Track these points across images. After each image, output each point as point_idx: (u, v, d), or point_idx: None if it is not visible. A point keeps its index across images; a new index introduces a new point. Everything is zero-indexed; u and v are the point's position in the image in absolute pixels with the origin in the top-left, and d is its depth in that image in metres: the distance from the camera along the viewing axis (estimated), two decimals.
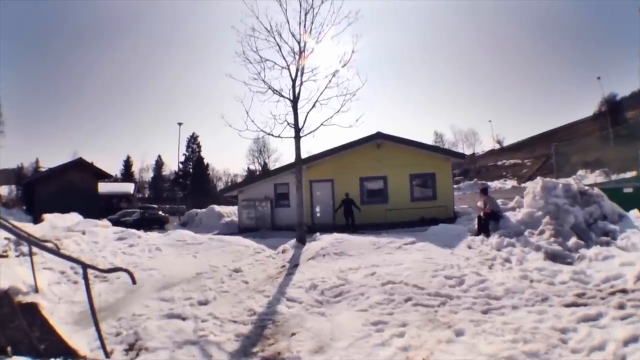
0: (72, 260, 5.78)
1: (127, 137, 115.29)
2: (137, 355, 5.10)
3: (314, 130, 12.42)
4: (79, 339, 5.22)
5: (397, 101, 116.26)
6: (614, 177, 23.81)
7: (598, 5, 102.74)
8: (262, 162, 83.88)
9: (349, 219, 18.66)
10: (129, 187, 50.99)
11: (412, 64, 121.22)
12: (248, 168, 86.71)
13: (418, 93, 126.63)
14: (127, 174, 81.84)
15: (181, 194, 58.66)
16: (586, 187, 11.12)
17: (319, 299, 6.81)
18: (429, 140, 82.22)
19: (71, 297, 6.86)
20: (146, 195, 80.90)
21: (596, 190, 10.91)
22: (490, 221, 11.23)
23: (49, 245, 8.21)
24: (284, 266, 9.57)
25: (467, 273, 7.26)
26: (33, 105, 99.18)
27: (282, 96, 12.39)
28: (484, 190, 13.26)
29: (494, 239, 9.75)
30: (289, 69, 12.41)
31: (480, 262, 8.34)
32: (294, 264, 9.42)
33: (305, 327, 5.67)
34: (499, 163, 69.57)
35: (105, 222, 14.76)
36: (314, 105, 12.38)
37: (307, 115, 12.34)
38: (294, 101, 12.27)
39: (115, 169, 79.28)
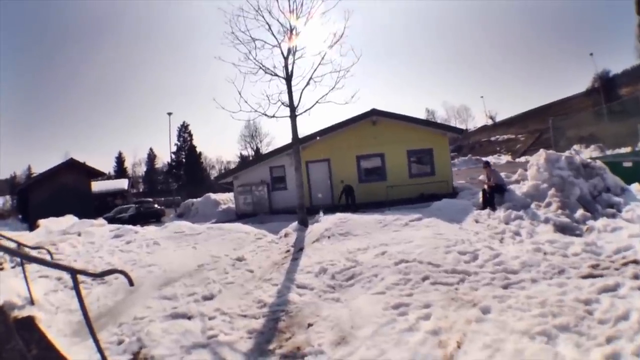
0: (60, 267, 5.24)
1: (118, 133, 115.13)
2: None
3: (309, 109, 12.36)
4: (80, 352, 4.94)
5: (388, 78, 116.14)
6: (608, 152, 24.15)
7: None
8: (255, 147, 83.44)
9: (348, 199, 18.96)
10: (123, 184, 50.73)
11: (403, 41, 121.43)
12: (241, 154, 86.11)
13: (409, 70, 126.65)
14: (120, 170, 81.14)
15: (175, 185, 58.34)
16: (588, 160, 11.29)
17: (331, 284, 6.63)
18: (420, 117, 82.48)
19: (69, 306, 6.57)
20: (141, 190, 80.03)
21: (598, 162, 11.10)
22: (495, 194, 11.34)
23: (42, 251, 8.14)
24: (288, 251, 9.36)
25: (479, 247, 7.27)
26: (22, 110, 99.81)
27: (276, 75, 12.25)
28: (487, 163, 13.30)
29: (501, 212, 9.86)
30: (280, 47, 12.25)
31: (490, 236, 8.42)
32: (298, 248, 9.27)
33: (322, 316, 5.47)
34: (492, 139, 70.08)
35: (100, 221, 14.71)
36: (308, 83, 12.23)
37: (301, 94, 12.21)
38: (288, 79, 12.11)
39: (108, 167, 79.12)
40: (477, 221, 9.85)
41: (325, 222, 10.78)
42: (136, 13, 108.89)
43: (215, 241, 10.48)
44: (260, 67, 12.14)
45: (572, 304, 4.70)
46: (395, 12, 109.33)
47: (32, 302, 6.38)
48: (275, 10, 12.07)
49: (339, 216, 10.92)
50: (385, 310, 5.22)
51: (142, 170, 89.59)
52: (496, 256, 6.82)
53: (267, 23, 12.15)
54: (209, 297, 6.69)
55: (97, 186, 39.90)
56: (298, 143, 12.78)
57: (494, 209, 10.68)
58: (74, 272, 4.49)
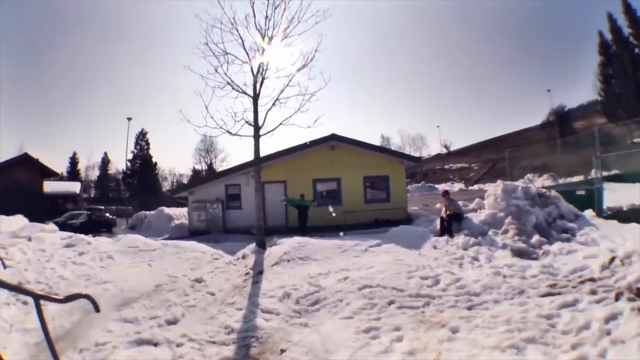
0: (23, 292, 5.23)
1: (74, 132, 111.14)
2: None
3: (273, 130, 12.47)
4: None
5: (343, 102, 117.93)
6: (560, 180, 25.73)
7: (553, 18, 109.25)
8: (209, 162, 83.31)
9: (303, 222, 18.17)
10: (75, 187, 49.04)
11: (361, 66, 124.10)
12: (194, 168, 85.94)
13: (365, 96, 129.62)
14: (72, 172, 79.02)
15: (127, 194, 57.02)
16: (544, 190, 12.08)
17: (296, 309, 6.76)
18: (375, 143, 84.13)
19: (23, 324, 6.18)
20: (92, 195, 77.90)
21: (553, 192, 11.95)
22: (453, 222, 11.79)
23: None
24: (247, 273, 9.47)
25: (440, 272, 7.65)
26: None
27: (244, 92, 12.34)
28: (446, 192, 13.84)
29: (460, 239, 10.35)
30: (250, 64, 12.36)
31: (450, 262, 8.85)
32: (258, 271, 9.37)
33: (293, 342, 5.54)
34: (446, 166, 72.51)
35: (51, 226, 13.98)
36: (274, 103, 12.39)
37: (267, 114, 12.33)
38: (255, 98, 12.24)
39: (61, 167, 76.09)
40: (435, 247, 10.30)
41: (283, 245, 10.93)
42: (106, 10, 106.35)
43: (171, 259, 10.40)
44: (228, 83, 12.23)
45: (535, 319, 5.08)
46: (355, 36, 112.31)
47: None
48: (251, 27, 12.27)
49: (297, 240, 11.13)
50: (357, 334, 5.38)
51: (94, 174, 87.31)
52: (457, 280, 7.21)
53: (241, 38, 12.32)
54: (172, 322, 6.55)
55: (48, 187, 37.90)
56: (259, 164, 12.86)
57: (451, 236, 11.14)
58: (37, 298, 4.16)
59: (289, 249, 10.35)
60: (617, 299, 5.44)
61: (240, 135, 12.36)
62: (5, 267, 7.58)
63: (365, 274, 7.87)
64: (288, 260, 9.60)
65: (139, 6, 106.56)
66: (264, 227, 12.38)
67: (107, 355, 5.29)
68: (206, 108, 12.00)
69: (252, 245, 11.85)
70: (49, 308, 6.44)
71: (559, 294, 6.11)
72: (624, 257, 7.14)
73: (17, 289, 5.14)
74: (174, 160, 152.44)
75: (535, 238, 9.50)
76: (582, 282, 6.52)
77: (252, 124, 12.22)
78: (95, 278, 8.49)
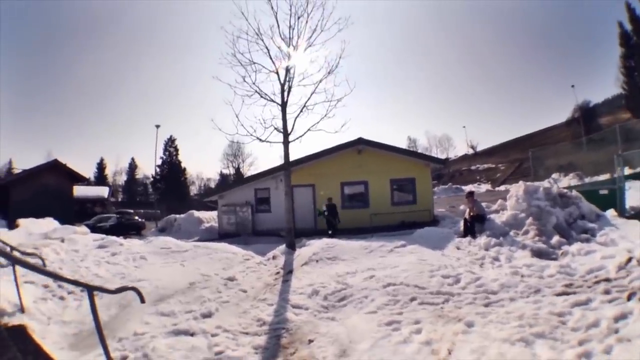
0: (77, 283, 5.20)
1: (101, 139, 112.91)
2: None
3: (301, 136, 12.75)
4: None
5: (371, 105, 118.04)
6: (587, 179, 25.28)
7: (574, 13, 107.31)
8: (237, 166, 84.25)
9: (333, 222, 18.34)
10: (103, 191, 50.23)
11: (385, 69, 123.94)
12: (221, 172, 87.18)
13: (391, 98, 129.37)
14: (100, 177, 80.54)
15: (154, 198, 57.65)
16: (565, 190, 12.16)
17: (324, 304, 7.13)
18: (402, 145, 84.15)
19: (61, 317, 6.60)
20: (119, 200, 79.27)
21: (574, 192, 12.02)
22: (476, 223, 11.97)
23: (34, 257, 8.13)
24: (278, 273, 9.89)
25: (461, 272, 7.95)
26: (5, 103, 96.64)
27: (272, 100, 12.60)
28: (470, 194, 13.88)
29: (482, 240, 10.54)
30: (277, 73, 12.63)
31: (471, 262, 9.09)
32: (288, 270, 9.79)
33: (321, 333, 5.89)
34: (473, 167, 71.75)
35: (83, 228, 14.57)
36: (301, 110, 12.66)
37: (295, 120, 12.60)
38: (283, 106, 12.51)
39: (89, 172, 76.76)
40: (458, 248, 10.55)
41: (312, 246, 11.32)
42: (135, 18, 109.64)
43: (203, 260, 10.83)
44: (257, 91, 12.55)
45: (547, 316, 5.37)
46: (379, 40, 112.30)
47: (22, 309, 6.22)
48: (276, 37, 12.59)
49: (325, 241, 11.54)
50: (379, 326, 5.77)
51: (122, 179, 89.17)
52: (477, 279, 7.51)
53: (267, 47, 12.63)
54: (207, 315, 6.91)
55: (77, 191, 38.32)
56: (289, 169, 13.14)
57: (474, 237, 11.33)
58: (91, 289, 4.54)
59: (318, 249, 10.74)
60: (629, 298, 5.63)
61: (270, 142, 12.71)
62: (45, 266, 7.72)
63: (390, 273, 8.21)
64: (317, 261, 9.98)
65: (165, 14, 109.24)
66: (293, 230, 12.72)
67: (147, 344, 5.57)
68: (237, 116, 12.36)
69: (282, 247, 12.23)
70: (86, 302, 6.64)
71: (574, 293, 6.33)
72: None
73: (73, 281, 5.26)
74: (202, 165, 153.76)
75: (555, 239, 9.62)
76: (597, 282, 6.68)
77: (282, 130, 12.50)
78: (130, 276, 8.97)
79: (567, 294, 6.35)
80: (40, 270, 5.54)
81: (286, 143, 12.64)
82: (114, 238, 12.44)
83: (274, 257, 11.56)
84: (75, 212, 32.92)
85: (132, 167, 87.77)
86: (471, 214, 12.56)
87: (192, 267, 10.04)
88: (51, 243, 10.74)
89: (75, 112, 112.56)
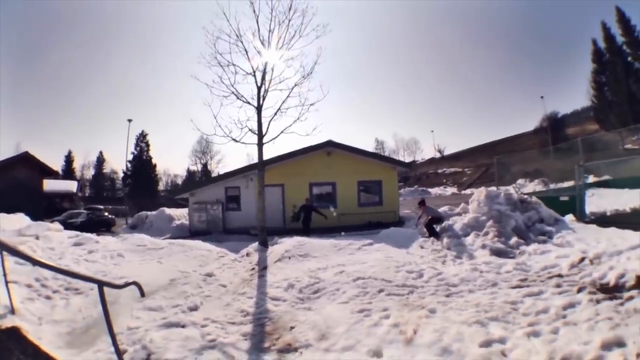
0: (87, 279, 5.41)
1: (70, 131, 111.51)
2: None
3: (275, 138, 13.19)
4: None
5: (339, 106, 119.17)
6: (552, 186, 26.61)
7: (548, 26, 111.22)
8: (205, 163, 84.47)
9: (307, 224, 18.17)
10: (72, 186, 49.14)
11: (356, 70, 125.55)
12: (188, 169, 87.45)
13: (360, 99, 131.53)
14: (68, 171, 78.97)
15: (121, 194, 56.91)
16: (525, 196, 13.04)
17: (300, 297, 7.65)
18: (370, 146, 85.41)
19: (51, 316, 6.64)
20: (87, 194, 77.93)
21: (534, 198, 12.93)
22: (435, 225, 12.72)
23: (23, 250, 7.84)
24: (253, 269, 10.39)
25: (424, 268, 8.65)
26: None
27: (248, 103, 12.94)
28: (422, 203, 14.61)
29: (444, 239, 11.32)
30: (254, 76, 12.95)
31: (434, 259, 9.80)
32: (262, 267, 10.30)
33: (300, 321, 6.40)
34: (440, 171, 73.62)
35: (57, 225, 14.09)
36: (276, 113, 13.06)
37: (269, 123, 12.98)
38: (259, 108, 12.87)
39: (57, 165, 74.42)
40: (422, 247, 11.32)
41: (284, 244, 11.83)
42: (107, 12, 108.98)
43: (179, 257, 11.16)
44: (233, 93, 12.90)
45: (501, 304, 6.08)
46: (350, 40, 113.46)
47: (12, 310, 6.10)
48: (255, 40, 12.92)
49: (297, 239, 12.08)
50: (352, 314, 6.37)
51: (90, 173, 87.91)
52: (439, 274, 8.22)
53: (245, 50, 12.95)
54: (193, 308, 7.36)
55: (46, 185, 36.99)
56: (263, 169, 13.53)
57: (438, 238, 12.07)
58: (101, 285, 4.70)
59: (290, 247, 11.27)
60: (578, 291, 6.34)
61: (245, 143, 13.10)
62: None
63: (359, 268, 8.83)
64: (289, 257, 10.51)
65: (138, 9, 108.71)
66: (263, 228, 13.13)
67: (143, 337, 5.88)
68: (215, 118, 12.73)
69: (255, 244, 12.72)
70: (73, 300, 7.36)
71: (527, 286, 7.03)
72: (593, 257, 7.94)
73: (81, 276, 5.42)
74: (169, 161, 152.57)
75: (514, 239, 10.39)
76: (550, 278, 7.41)
77: (256, 132, 12.88)
78: (110, 274, 9.03)
79: (521, 287, 7.05)
80: (54, 268, 5.60)
81: (260, 145, 13.02)
82: (89, 235, 12.42)
83: (247, 254, 12.00)
84: (43, 208, 32.33)
85: (100, 161, 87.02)
86: (428, 218, 13.22)
87: (170, 264, 10.37)
88: (26, 240, 10.50)
89: (44, 103, 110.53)
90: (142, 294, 5.09)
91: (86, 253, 10.70)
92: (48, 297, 7.35)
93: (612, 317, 5.17)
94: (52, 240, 11.20)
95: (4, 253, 6.58)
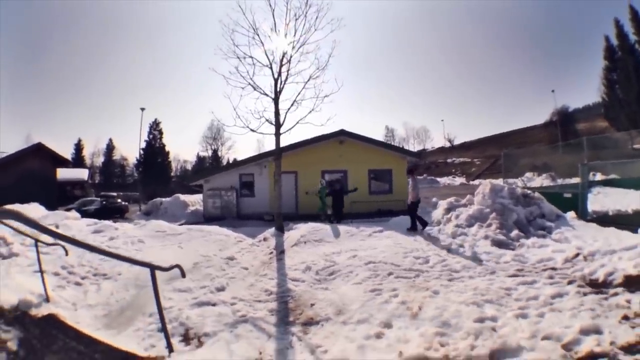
0: (140, 263, 5.50)
1: (79, 120, 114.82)
2: (200, 342, 5.65)
3: (291, 128, 13.90)
4: (126, 342, 5.38)
5: (351, 95, 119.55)
6: (560, 181, 27.14)
7: (562, 21, 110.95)
8: (213, 149, 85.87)
9: (339, 209, 17.15)
10: (83, 174, 49.56)
11: (369, 60, 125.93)
12: (198, 154, 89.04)
13: (373, 88, 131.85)
14: (78, 159, 79.68)
15: (131, 180, 57.70)
16: (529, 191, 13.82)
17: (317, 278, 8.46)
18: (380, 134, 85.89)
19: (85, 301, 7.02)
20: (97, 182, 78.70)
21: (537, 194, 13.68)
22: (415, 216, 13.16)
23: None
24: (271, 253, 11.12)
25: (430, 255, 9.52)
26: None
27: (265, 94, 13.42)
28: (411, 171, 14.69)
29: (450, 229, 12.06)
30: (271, 68, 13.42)
31: (440, 247, 10.55)
32: (280, 251, 11.07)
33: (319, 299, 7.18)
34: (449, 160, 74.03)
35: (74, 213, 14.81)
36: (292, 104, 13.59)
37: (286, 114, 13.52)
38: (276, 99, 13.35)
39: (66, 153, 74.90)
40: (429, 235, 12.03)
41: (299, 230, 12.63)
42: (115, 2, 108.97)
43: (199, 242, 11.80)
44: (250, 84, 13.37)
45: (497, 290, 6.97)
46: (362, 30, 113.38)
47: (47, 299, 6.41)
48: (272, 32, 13.41)
49: (311, 225, 12.86)
50: (365, 293, 7.23)
51: (99, 160, 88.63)
52: (443, 261, 9.10)
53: (262, 42, 13.41)
54: (220, 289, 8.03)
55: (58, 174, 37.37)
56: (280, 158, 14.09)
57: (415, 229, 12.77)
58: (153, 268, 5.00)
59: (305, 232, 12.09)
60: (568, 284, 7.17)
61: (263, 133, 13.78)
62: (67, 254, 7.76)
63: (370, 253, 9.70)
64: (305, 242, 11.35)
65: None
66: (273, 214, 13.63)
67: (178, 315, 6.45)
68: (234, 109, 13.26)
69: (272, 230, 13.39)
70: (104, 285, 7.87)
71: (522, 276, 7.87)
72: (587, 254, 8.72)
73: (134, 261, 5.55)
74: (179, 147, 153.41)
75: (515, 232, 11.14)
76: (544, 270, 8.23)
77: (273, 123, 13.40)
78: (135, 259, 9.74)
79: (517, 276, 7.91)
80: (113, 254, 5.62)
81: (278, 135, 13.56)
82: (108, 222, 13.01)
83: (265, 239, 12.66)
84: (56, 197, 32.71)
85: (110, 148, 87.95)
86: (412, 199, 13.33)
87: (191, 249, 10.98)
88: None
89: (52, 93, 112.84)
90: (183, 275, 5.49)
91: (107, 240, 11.28)
92: (78, 284, 7.84)
93: (594, 308, 5.97)
94: (72, 228, 11.78)
95: (39, 244, 7.26)
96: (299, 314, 6.68)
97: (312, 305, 7.00)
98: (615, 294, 6.47)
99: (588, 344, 4.85)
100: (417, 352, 4.89)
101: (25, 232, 7.27)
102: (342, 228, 12.59)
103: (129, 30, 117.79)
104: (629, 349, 4.74)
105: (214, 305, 7.08)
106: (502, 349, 4.84)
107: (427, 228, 12.76)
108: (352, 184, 22.80)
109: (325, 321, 6.28)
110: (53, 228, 8.11)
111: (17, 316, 5.26)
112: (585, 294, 6.63)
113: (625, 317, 5.59)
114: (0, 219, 5.37)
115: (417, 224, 12.99)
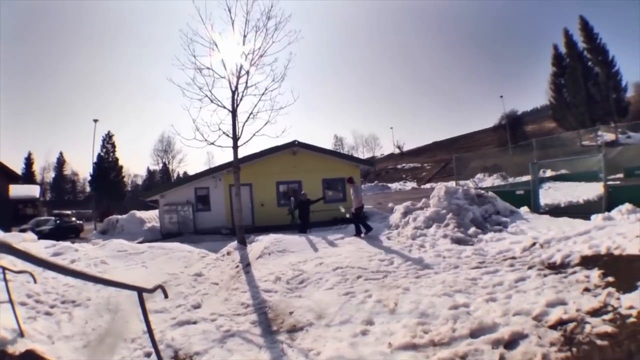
0: (127, 287, 5.13)
1: (28, 131, 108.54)
2: None
3: (248, 140, 13.79)
4: None
5: (298, 103, 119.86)
6: (510, 180, 28.50)
7: (509, 28, 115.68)
8: (163, 163, 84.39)
9: (305, 219, 17.40)
10: (35, 190, 47.54)
11: (314, 67, 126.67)
12: (148, 168, 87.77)
13: (319, 96, 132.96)
14: (28, 174, 76.29)
15: (82, 197, 55.94)
16: (482, 191, 14.69)
17: (289, 287, 8.54)
18: (329, 143, 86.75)
19: (60, 332, 6.69)
20: (48, 199, 75.82)
21: (490, 193, 14.55)
22: (359, 221, 13.74)
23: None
24: (237, 266, 11.13)
25: (394, 256, 9.94)
26: None
27: (223, 106, 13.34)
28: (350, 180, 15.12)
29: (409, 231, 12.51)
30: (229, 80, 13.37)
31: (401, 249, 10.95)
32: (245, 264, 11.10)
33: (296, 306, 7.26)
34: (399, 166, 75.66)
35: (31, 235, 14.38)
36: (248, 117, 13.53)
37: (243, 126, 13.46)
38: (234, 112, 13.31)
39: (16, 167, 71.76)
40: (389, 238, 12.47)
41: (262, 242, 12.71)
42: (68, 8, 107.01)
43: (162, 260, 11.70)
44: (207, 96, 13.20)
45: (463, 281, 7.45)
46: (310, 36, 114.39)
47: (21, 333, 6.01)
48: (231, 44, 13.39)
49: (273, 237, 13.00)
50: (339, 296, 7.47)
51: (50, 176, 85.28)
52: (407, 260, 9.51)
53: (220, 53, 13.32)
54: (197, 306, 8.02)
55: (11, 191, 35.62)
56: (238, 172, 13.98)
57: (361, 234, 13.28)
58: (140, 291, 4.83)
59: (268, 244, 12.19)
60: (529, 269, 7.82)
61: (221, 147, 13.64)
62: (36, 281, 7.64)
63: (336, 259, 9.97)
64: (269, 254, 11.44)
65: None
66: (230, 227, 13.58)
67: (162, 337, 6.32)
68: (193, 121, 13.14)
69: (233, 243, 13.32)
70: (76, 313, 7.47)
71: (485, 267, 8.40)
72: (543, 242, 9.38)
73: (122, 285, 5.11)
74: (130, 160, 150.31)
75: (472, 229, 11.75)
76: (505, 260, 8.81)
77: (230, 135, 13.35)
78: None
79: (480, 267, 8.42)
80: (99, 279, 5.28)
81: (235, 147, 13.51)
82: (66, 244, 12.55)
83: (228, 253, 12.61)
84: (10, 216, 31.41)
85: (61, 162, 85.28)
86: (355, 206, 14.00)
87: (156, 268, 10.88)
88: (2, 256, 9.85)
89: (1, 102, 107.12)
90: (166, 296, 5.25)
91: (68, 263, 10.75)
92: (48, 314, 7.42)
93: (556, 286, 6.60)
94: (30, 251, 10.77)
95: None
96: (281, 322, 6.78)
97: (290, 313, 7.11)
98: (574, 272, 7.13)
99: (556, 314, 5.37)
100: (405, 341, 5.22)
101: None
102: (304, 238, 12.84)
103: (81, 37, 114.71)
104: (594, 312, 5.30)
105: (194, 323, 7.07)
106: (480, 327, 5.26)
107: (387, 232, 13.18)
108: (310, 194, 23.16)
109: (309, 326, 6.44)
110: (48, 258, 7.71)
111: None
112: (545, 275, 7.27)
113: (586, 289, 6.21)
114: None
115: (361, 228, 13.52)
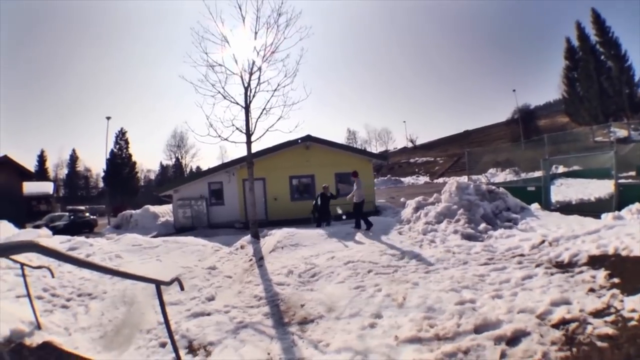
0: (146, 280, 5.06)
1: (41, 129, 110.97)
2: (207, 351, 5.92)
3: (261, 136, 13.97)
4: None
5: (312, 97, 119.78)
6: (523, 175, 28.42)
7: (522, 22, 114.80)
8: (176, 158, 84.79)
9: (326, 214, 16.94)
10: (48, 187, 47.89)
11: (327, 61, 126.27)
12: (161, 163, 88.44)
13: (333, 90, 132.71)
14: (41, 171, 77.36)
15: (95, 192, 56.46)
16: (493, 187, 14.74)
17: (301, 280, 8.83)
18: (341, 137, 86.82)
19: (77, 324, 6.95)
20: (61, 195, 76.82)
21: (501, 189, 14.59)
22: (359, 216, 13.98)
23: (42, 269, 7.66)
24: (250, 260, 11.39)
25: (405, 251, 10.13)
26: None
27: (236, 103, 13.60)
28: (355, 174, 15.09)
29: (420, 226, 12.72)
30: (241, 77, 13.57)
31: (412, 244, 11.20)
32: (259, 257, 11.36)
33: (307, 299, 7.54)
34: (412, 160, 75.44)
35: (45, 231, 14.65)
36: (261, 113, 13.73)
37: (256, 122, 13.65)
38: (247, 108, 13.53)
39: (30, 165, 72.26)
40: (400, 233, 12.68)
41: (275, 235, 12.90)
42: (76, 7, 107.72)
43: (176, 253, 11.91)
44: (220, 92, 13.45)
45: (471, 277, 7.68)
46: (320, 35, 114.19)
47: (38, 326, 6.28)
48: (242, 41, 13.61)
49: (286, 231, 13.16)
50: (350, 290, 7.74)
51: (63, 173, 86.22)
52: (417, 256, 9.70)
53: (232, 50, 13.58)
54: (211, 299, 8.33)
55: (25, 189, 36.15)
56: (252, 167, 14.24)
57: (359, 226, 13.59)
58: (158, 283, 4.90)
59: (281, 238, 12.37)
60: (536, 267, 7.97)
61: (235, 142, 14.00)
62: (53, 276, 7.73)
63: (347, 254, 10.22)
64: (282, 247, 11.67)
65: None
66: (244, 221, 13.72)
67: (177, 328, 6.57)
68: (207, 118, 13.41)
69: (247, 237, 13.62)
70: (93, 305, 7.78)
71: (493, 263, 8.59)
72: (552, 240, 9.49)
73: (141, 278, 5.02)
74: (141, 156, 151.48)
75: (482, 225, 11.89)
76: (513, 257, 8.97)
77: (244, 131, 13.60)
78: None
79: (488, 264, 8.61)
80: (121, 273, 4.88)
81: (249, 143, 13.76)
82: (82, 239, 12.86)
83: (242, 247, 12.87)
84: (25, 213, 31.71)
85: (74, 159, 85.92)
86: (356, 200, 14.19)
87: (170, 261, 11.05)
88: None
89: (14, 101, 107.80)
90: (182, 288, 5.36)
91: (84, 257, 10.45)
92: (65, 307, 7.72)
93: (562, 285, 6.76)
94: (59, 250, 10.87)
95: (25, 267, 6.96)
96: (292, 315, 7.06)
97: (302, 306, 7.38)
98: (581, 272, 7.25)
99: (559, 313, 5.57)
100: (411, 334, 5.49)
101: None
102: (317, 231, 13.06)
103: (92, 35, 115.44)
104: (597, 313, 5.48)
105: (209, 314, 7.37)
106: (484, 324, 5.51)
107: (399, 226, 13.38)
108: (319, 189, 22.91)
109: (319, 319, 6.72)
110: (77, 255, 7.91)
111: (14, 348, 5.08)
112: (552, 274, 7.42)
113: (591, 290, 6.37)
114: (18, 253, 4.14)
115: (362, 223, 13.76)
